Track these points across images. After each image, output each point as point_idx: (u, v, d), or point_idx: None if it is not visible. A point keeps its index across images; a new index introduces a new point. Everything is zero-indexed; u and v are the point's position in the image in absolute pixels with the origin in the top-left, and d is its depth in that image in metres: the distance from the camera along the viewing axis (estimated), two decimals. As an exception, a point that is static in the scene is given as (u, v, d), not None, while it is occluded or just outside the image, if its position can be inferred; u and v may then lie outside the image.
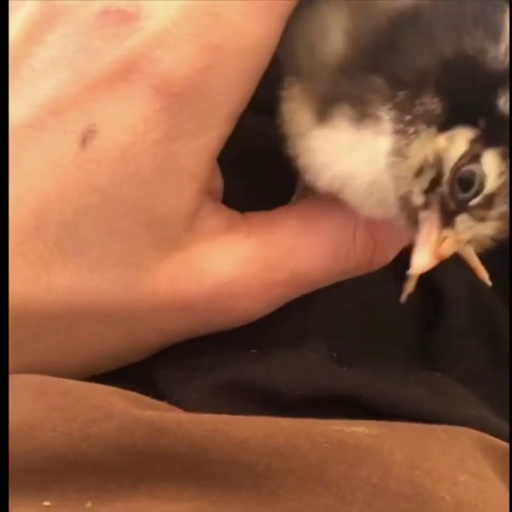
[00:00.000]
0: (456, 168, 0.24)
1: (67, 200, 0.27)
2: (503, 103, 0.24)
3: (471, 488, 0.25)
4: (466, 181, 0.25)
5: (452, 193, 0.25)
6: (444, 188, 0.25)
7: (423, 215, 0.25)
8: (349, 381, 0.30)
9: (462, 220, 0.25)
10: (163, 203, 0.27)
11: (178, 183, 0.27)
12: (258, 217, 0.31)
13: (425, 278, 0.36)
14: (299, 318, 0.32)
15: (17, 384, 0.25)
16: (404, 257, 0.35)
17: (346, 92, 0.27)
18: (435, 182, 0.25)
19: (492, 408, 0.35)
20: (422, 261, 0.25)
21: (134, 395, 0.27)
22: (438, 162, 0.25)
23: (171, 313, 0.29)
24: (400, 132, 0.25)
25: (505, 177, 0.24)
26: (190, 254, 0.29)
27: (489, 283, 0.34)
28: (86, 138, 0.26)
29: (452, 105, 0.25)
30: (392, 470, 0.25)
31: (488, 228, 0.25)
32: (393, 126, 0.26)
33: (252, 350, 0.31)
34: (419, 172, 0.25)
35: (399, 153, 0.25)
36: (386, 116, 0.26)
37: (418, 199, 0.25)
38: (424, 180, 0.25)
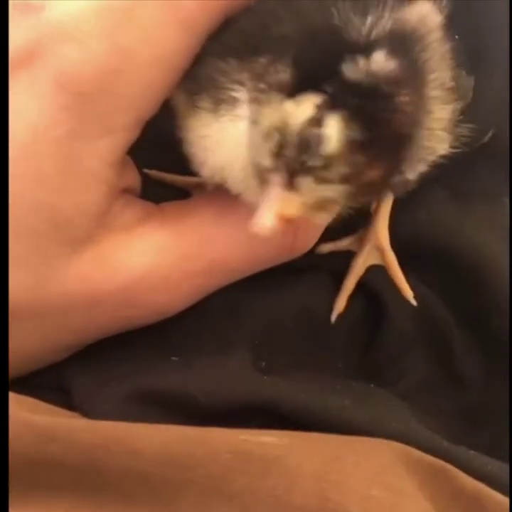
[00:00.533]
0: (300, 131, 0.24)
1: None
2: (347, 68, 0.24)
3: (383, 502, 0.24)
4: (306, 143, 0.24)
5: (296, 155, 0.24)
6: (289, 151, 0.25)
7: (271, 177, 0.25)
8: (269, 390, 0.29)
9: (304, 182, 0.25)
10: (68, 202, 0.26)
11: (82, 183, 0.27)
12: (173, 207, 0.30)
13: (368, 290, 0.36)
14: (223, 326, 0.31)
15: None
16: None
17: (202, 82, 0.27)
18: (281, 145, 0.25)
19: (436, 423, 0.34)
20: (264, 220, 0.24)
21: (28, 399, 0.26)
22: (284, 126, 0.25)
23: (84, 311, 0.28)
24: (255, 102, 0.25)
25: (347, 140, 0.24)
26: (102, 249, 0.28)
27: (414, 302, 0.34)
28: None
29: (303, 73, 0.25)
30: (299, 482, 0.24)
31: (331, 191, 0.25)
32: (248, 100, 0.26)
33: (173, 358, 0.30)
34: (268, 136, 0.25)
35: (254, 121, 0.25)
36: (240, 95, 0.26)
37: (266, 161, 0.25)
38: (271, 144, 0.25)
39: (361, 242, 0.35)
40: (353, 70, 0.24)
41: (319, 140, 0.24)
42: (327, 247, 0.34)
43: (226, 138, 0.27)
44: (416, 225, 0.36)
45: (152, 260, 0.28)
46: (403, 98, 0.24)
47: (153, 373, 0.29)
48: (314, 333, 0.34)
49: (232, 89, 0.26)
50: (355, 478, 0.24)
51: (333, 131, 0.24)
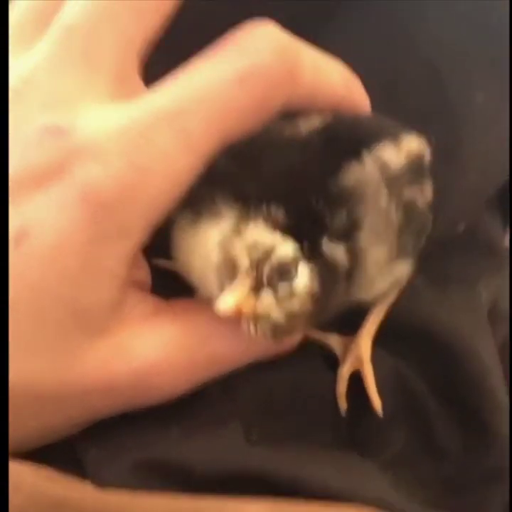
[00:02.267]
0: (282, 259, 0.30)
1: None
2: (324, 243, 0.31)
3: None
4: (284, 273, 0.30)
5: (271, 274, 0.30)
6: (266, 267, 0.30)
7: (242, 273, 0.30)
8: (257, 460, 0.32)
9: (267, 295, 0.30)
10: (87, 296, 0.31)
11: (100, 280, 0.31)
12: (181, 304, 0.35)
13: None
14: (218, 402, 0.35)
15: None
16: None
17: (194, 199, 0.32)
18: (262, 260, 0.30)
19: (415, 491, 0.37)
20: (226, 303, 0.30)
21: (45, 470, 0.29)
22: (271, 248, 0.31)
23: (101, 394, 0.32)
24: (241, 221, 0.31)
25: (308, 286, 0.31)
26: (118, 338, 0.32)
27: (381, 413, 0.38)
28: (19, 238, 0.30)
29: (289, 222, 0.31)
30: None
31: (278, 314, 0.31)
32: (235, 217, 0.31)
33: (173, 429, 0.34)
34: (253, 247, 0.31)
35: (235, 232, 0.31)
36: (224, 212, 0.32)
37: (244, 261, 0.31)
38: (254, 254, 0.31)
39: (344, 349, 0.39)
40: (328, 247, 0.31)
41: (293, 275, 0.30)
42: (314, 334, 0.38)
43: (201, 243, 0.32)
44: (396, 307, 0.40)
45: (163, 351, 0.32)
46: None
47: (156, 444, 0.33)
48: (304, 407, 0.38)
49: (219, 206, 0.32)
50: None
51: (304, 275, 0.31)
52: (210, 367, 0.34)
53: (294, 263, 0.31)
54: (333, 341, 0.39)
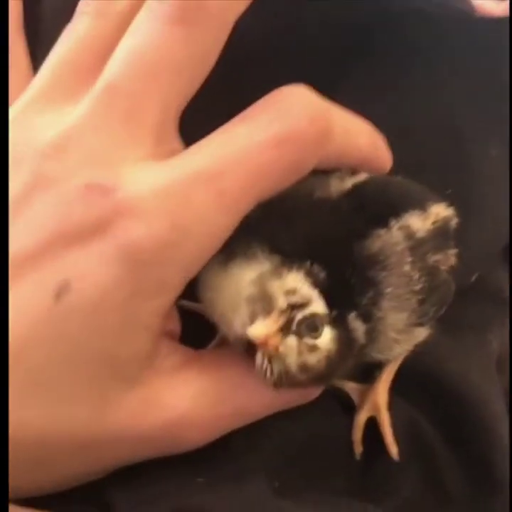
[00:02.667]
0: (313, 315, 0.32)
1: (42, 345, 0.30)
2: (351, 318, 0.33)
3: None
4: (312, 327, 0.32)
5: (300, 323, 0.31)
6: (298, 315, 0.31)
7: (276, 310, 0.31)
8: None
9: (292, 340, 0.31)
10: (125, 349, 0.31)
11: (138, 334, 0.31)
12: (209, 355, 0.35)
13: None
14: (242, 456, 0.36)
15: None
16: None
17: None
18: (295, 307, 0.32)
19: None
20: (259, 329, 0.31)
21: None
22: (307, 300, 0.32)
23: (131, 443, 0.33)
24: (279, 267, 0.32)
25: (329, 346, 0.32)
26: (150, 389, 0.33)
27: (397, 458, 0.39)
28: (60, 292, 0.30)
29: (329, 286, 0.32)
30: None
31: (294, 363, 0.31)
32: (271, 262, 0.33)
33: (199, 479, 0.34)
34: (291, 292, 0.32)
35: (275, 275, 0.32)
36: (259, 253, 0.33)
37: (280, 300, 0.32)
38: (292, 299, 0.32)
39: (361, 396, 0.40)
40: (353, 322, 0.32)
41: (319, 332, 0.32)
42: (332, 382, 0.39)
43: (233, 280, 0.33)
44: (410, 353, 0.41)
45: (192, 403, 0.33)
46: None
47: (182, 494, 0.33)
48: (324, 456, 0.39)
49: (255, 251, 0.33)
50: None
51: (327, 335, 0.32)
52: (236, 418, 0.34)
53: (324, 322, 0.32)
54: (351, 388, 0.40)
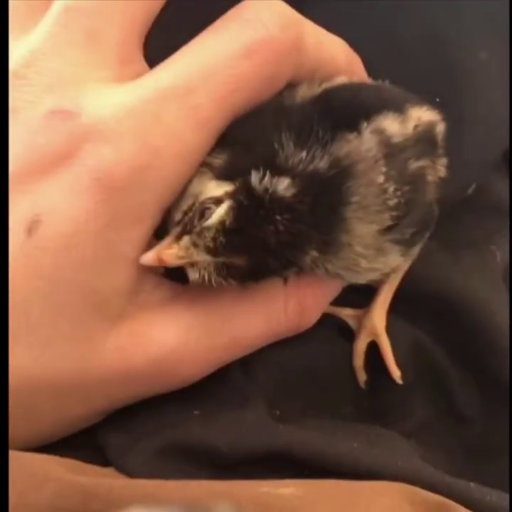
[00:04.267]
0: (202, 202, 0.30)
1: (17, 286, 0.29)
2: (254, 177, 0.30)
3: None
4: (200, 212, 0.30)
5: (192, 219, 0.30)
6: (191, 213, 0.30)
7: (174, 228, 0.31)
8: (284, 438, 0.32)
9: (185, 240, 0.30)
10: (104, 284, 0.30)
11: (116, 266, 0.30)
12: (197, 289, 0.33)
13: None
14: (239, 384, 0.35)
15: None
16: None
17: None
18: (189, 208, 0.31)
19: (438, 459, 0.36)
20: (146, 257, 0.30)
21: (70, 461, 0.29)
22: (198, 195, 0.31)
23: (120, 381, 0.31)
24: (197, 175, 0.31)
25: (219, 220, 0.30)
26: (136, 325, 0.31)
27: (400, 381, 0.38)
28: (32, 227, 0.29)
29: (231, 165, 0.31)
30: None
31: (200, 254, 0.30)
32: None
33: (195, 412, 0.33)
34: (187, 198, 0.31)
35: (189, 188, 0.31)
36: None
37: (177, 215, 0.31)
38: (184, 204, 0.31)
39: (358, 322, 0.38)
40: (257, 181, 0.30)
41: (208, 214, 0.30)
42: (327, 309, 0.37)
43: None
44: (411, 275, 0.39)
45: (181, 336, 0.32)
46: (280, 219, 0.30)
47: (179, 428, 0.32)
48: (325, 381, 0.37)
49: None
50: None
51: (220, 212, 0.30)
52: (229, 351, 0.33)
53: (217, 203, 0.30)
54: (347, 315, 0.39)
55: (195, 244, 0.30)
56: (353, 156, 0.30)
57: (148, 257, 0.30)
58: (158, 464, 0.31)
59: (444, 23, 0.40)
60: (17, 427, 0.30)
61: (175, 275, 0.34)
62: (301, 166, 0.30)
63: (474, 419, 0.39)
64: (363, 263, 0.32)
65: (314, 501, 0.27)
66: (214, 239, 0.30)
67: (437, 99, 0.37)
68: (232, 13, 0.31)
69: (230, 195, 0.30)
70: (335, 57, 0.34)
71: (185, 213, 0.31)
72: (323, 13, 0.34)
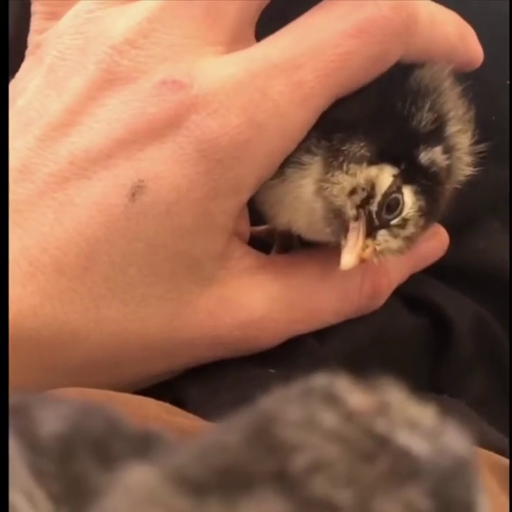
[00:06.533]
0: (386, 194, 0.31)
1: (116, 246, 0.30)
2: (423, 156, 0.32)
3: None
4: (392, 205, 0.31)
5: (379, 212, 0.31)
6: (373, 207, 0.31)
7: (353, 225, 0.31)
8: None
9: (382, 234, 0.31)
10: (199, 249, 0.31)
11: (212, 234, 0.31)
12: (283, 260, 0.35)
13: (435, 309, 0.39)
14: (312, 349, 0.36)
15: (59, 395, 0.27)
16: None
17: None
18: (365, 201, 0.31)
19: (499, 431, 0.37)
20: (348, 261, 0.31)
21: (166, 404, 0.29)
22: (371, 186, 0.31)
23: (207, 342, 0.33)
24: (330, 168, 0.32)
25: (416, 207, 0.32)
26: (226, 290, 0.33)
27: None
28: (135, 192, 0.30)
29: (379, 149, 0.31)
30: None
31: (398, 244, 0.32)
32: (320, 165, 0.32)
33: (271, 370, 0.34)
34: (353, 192, 0.31)
35: (331, 180, 0.32)
36: (309, 160, 0.32)
37: (351, 212, 0.31)
38: (357, 199, 0.31)
39: None
40: (426, 158, 0.32)
41: (402, 205, 0.31)
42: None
43: (290, 192, 0.33)
44: (475, 253, 0.40)
45: (266, 306, 0.33)
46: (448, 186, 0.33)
47: (256, 383, 0.33)
48: (389, 353, 0.38)
49: (303, 156, 0.32)
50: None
51: (408, 199, 0.31)
52: (307, 323, 0.34)
53: (398, 188, 0.31)
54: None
55: (395, 236, 0.31)
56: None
57: (350, 262, 0.31)
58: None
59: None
60: (100, 377, 0.31)
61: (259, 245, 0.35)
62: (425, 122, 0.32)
63: None
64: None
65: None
66: (416, 225, 0.32)
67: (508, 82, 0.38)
68: None
69: (403, 179, 0.31)
70: (447, 35, 0.33)
71: (361, 207, 0.31)
72: None
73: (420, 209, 0.31)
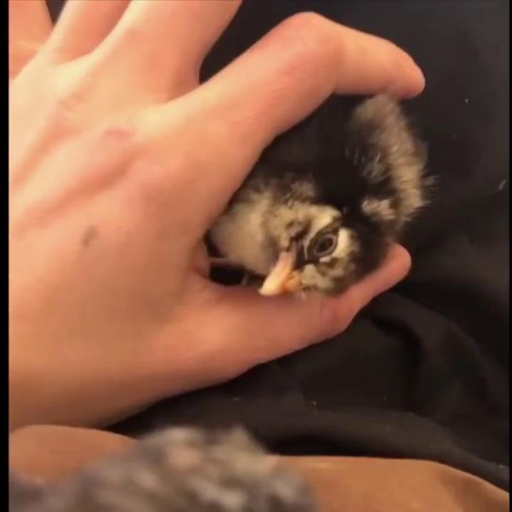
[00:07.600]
0: (320, 232, 0.32)
1: (74, 290, 0.31)
2: (366, 205, 0.33)
3: (423, 513, 0.28)
4: (324, 244, 0.32)
5: (311, 247, 0.32)
6: (305, 242, 0.32)
7: (283, 255, 0.33)
8: (320, 422, 0.33)
9: (309, 269, 0.33)
10: (155, 288, 0.32)
11: (166, 273, 0.32)
12: (241, 292, 0.36)
13: (403, 327, 0.40)
14: (275, 373, 0.37)
15: (22, 433, 0.29)
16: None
17: None
18: (300, 235, 0.32)
19: (471, 447, 0.37)
20: (270, 286, 0.32)
21: (122, 436, 0.30)
22: (307, 223, 0.32)
23: (169, 376, 0.34)
24: (276, 202, 0.33)
25: (349, 251, 0.33)
26: (185, 324, 0.34)
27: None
28: (88, 238, 0.31)
29: (325, 191, 0.33)
30: (350, 499, 0.28)
31: (325, 283, 0.33)
32: (267, 201, 0.33)
33: (235, 399, 0.35)
34: (290, 225, 0.32)
35: (275, 213, 0.33)
36: (256, 198, 0.33)
37: (284, 242, 0.33)
38: (293, 231, 0.32)
39: None
40: (369, 207, 0.33)
41: (334, 245, 0.32)
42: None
43: (240, 228, 0.34)
44: (443, 267, 0.41)
45: (226, 338, 0.34)
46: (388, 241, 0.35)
47: (219, 411, 0.34)
48: (359, 373, 0.39)
49: (251, 194, 0.33)
50: (398, 494, 0.28)
51: (342, 241, 0.32)
52: (269, 351, 0.35)
53: (335, 229, 0.33)
54: None
55: (322, 274, 0.32)
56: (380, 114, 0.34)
57: (272, 288, 0.32)
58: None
59: (472, 23, 0.41)
60: (65, 417, 0.32)
61: (219, 277, 0.36)
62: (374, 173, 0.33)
63: (506, 408, 0.40)
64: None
65: (348, 475, 0.29)
66: (346, 268, 0.33)
67: (466, 100, 0.39)
68: (273, 32, 0.33)
69: (341, 222, 0.33)
70: (380, 64, 0.34)
71: (295, 240, 0.32)
72: (357, 16, 0.35)
73: (352, 253, 0.32)
